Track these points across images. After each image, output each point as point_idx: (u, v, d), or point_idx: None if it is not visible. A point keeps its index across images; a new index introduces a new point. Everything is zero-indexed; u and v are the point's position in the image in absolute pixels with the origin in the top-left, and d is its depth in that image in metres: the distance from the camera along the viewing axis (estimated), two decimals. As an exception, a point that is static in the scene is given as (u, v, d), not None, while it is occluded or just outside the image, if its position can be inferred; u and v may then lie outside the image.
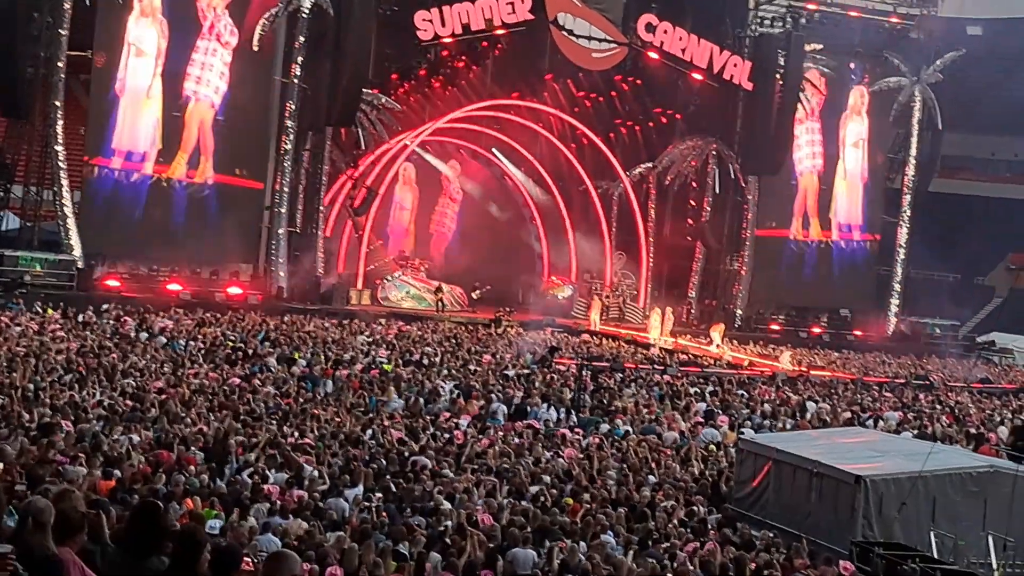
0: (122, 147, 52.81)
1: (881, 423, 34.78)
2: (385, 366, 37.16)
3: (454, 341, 46.60)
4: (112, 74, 52.44)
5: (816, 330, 64.97)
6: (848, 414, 35.80)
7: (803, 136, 65.97)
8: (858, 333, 65.66)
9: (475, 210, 66.62)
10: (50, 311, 42.90)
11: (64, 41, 50.73)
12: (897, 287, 68.19)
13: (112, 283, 51.09)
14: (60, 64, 50.79)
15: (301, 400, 29.85)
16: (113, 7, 51.69)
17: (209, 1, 54.11)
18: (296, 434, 24.73)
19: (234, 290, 53.50)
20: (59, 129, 50.90)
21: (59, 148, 50.98)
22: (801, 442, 25.58)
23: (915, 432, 32.55)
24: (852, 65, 66.88)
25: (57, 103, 50.86)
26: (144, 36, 52.87)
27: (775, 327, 64.37)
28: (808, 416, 34.63)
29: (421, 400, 31.62)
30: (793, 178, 66.15)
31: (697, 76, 62.03)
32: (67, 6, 50.34)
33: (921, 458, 21.51)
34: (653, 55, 61.13)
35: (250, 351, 37.49)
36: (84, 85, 54.85)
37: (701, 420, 32.68)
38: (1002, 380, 52.82)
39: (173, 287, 52.21)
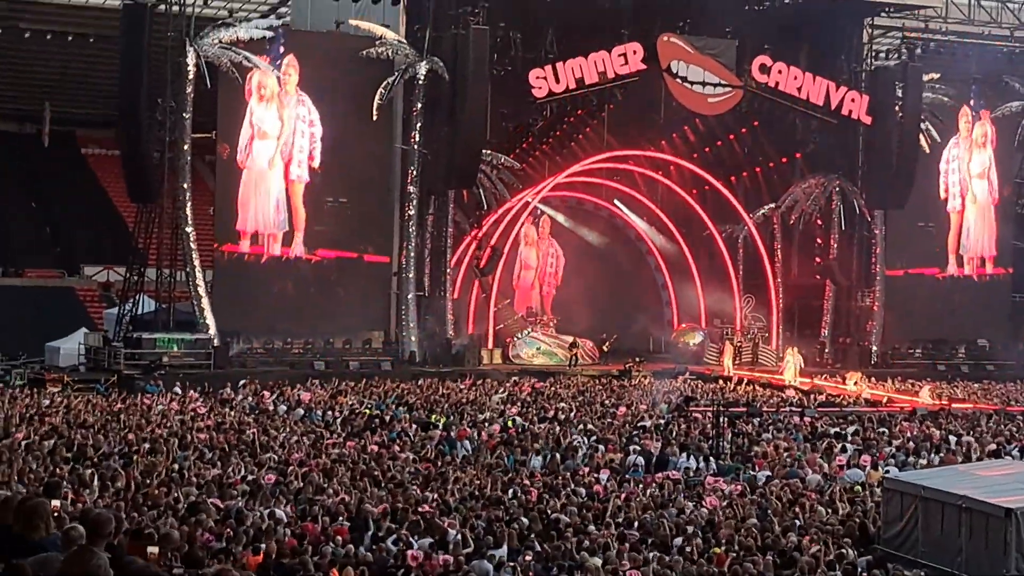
0: (248, 229, 53.57)
1: (1028, 453, 34.20)
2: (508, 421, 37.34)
3: (588, 395, 46.60)
4: (235, 159, 53.33)
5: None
6: (993, 446, 35.16)
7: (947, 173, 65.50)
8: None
9: (600, 262, 66.63)
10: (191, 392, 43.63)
11: (188, 124, 51.76)
12: (1034, 313, 67.08)
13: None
14: (186, 147, 51.84)
15: (440, 463, 30.01)
16: (233, 89, 52.51)
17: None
18: (437, 498, 24.84)
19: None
20: (188, 211, 51.90)
21: (189, 230, 51.95)
22: (947, 477, 25.19)
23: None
24: (972, 91, 65.99)
25: (185, 186, 51.86)
26: (265, 118, 53.67)
27: (912, 362, 63.47)
28: (952, 450, 34.11)
29: (559, 456, 31.64)
30: (931, 216, 65.37)
31: (815, 114, 61.66)
32: (189, 90, 51.38)
33: (1071, 486, 21.17)
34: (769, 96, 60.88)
35: (387, 417, 37.78)
36: (210, 166, 56.00)
37: (843, 461, 32.33)
38: None
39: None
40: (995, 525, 21.26)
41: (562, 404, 42.73)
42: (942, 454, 33.47)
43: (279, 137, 53.81)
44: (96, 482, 24.85)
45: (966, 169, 65.98)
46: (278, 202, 54.06)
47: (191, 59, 51.22)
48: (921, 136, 62.85)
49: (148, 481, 25.06)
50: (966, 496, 22.25)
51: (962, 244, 66.31)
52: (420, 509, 23.31)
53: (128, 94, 51.67)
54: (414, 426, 36.31)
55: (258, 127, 53.43)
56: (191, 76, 51.31)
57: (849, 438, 36.31)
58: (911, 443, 35.27)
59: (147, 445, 30.20)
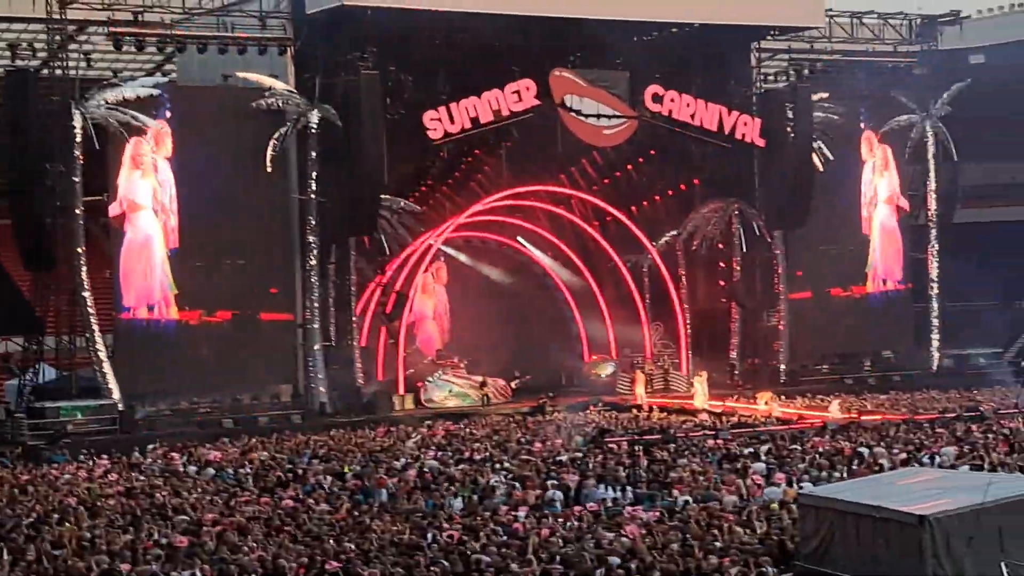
0: (141, 300, 52.92)
1: (938, 460, 34.45)
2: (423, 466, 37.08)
3: (502, 434, 46.47)
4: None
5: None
6: (904, 455, 35.45)
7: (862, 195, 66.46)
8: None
9: (508, 300, 66.66)
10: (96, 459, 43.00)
11: (79, 188, 51.10)
12: (935, 322, 67.75)
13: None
14: (78, 211, 51.18)
15: (357, 513, 29.75)
16: (122, 150, 51.96)
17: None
18: (355, 548, 24.59)
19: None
20: (84, 276, 51.18)
21: (87, 295, 51.21)
22: (861, 489, 25.28)
23: (971, 466, 32.25)
24: (862, 109, 66.83)
25: (80, 250, 51.14)
26: (137, 189, 52.97)
27: (820, 378, 64.04)
28: (864, 462, 34.34)
29: (477, 497, 31.49)
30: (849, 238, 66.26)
31: (709, 139, 62.14)
32: (77, 153, 50.77)
33: (982, 490, 21.28)
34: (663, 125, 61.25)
35: (300, 471, 37.42)
36: (103, 228, 55.22)
37: (760, 480, 32.45)
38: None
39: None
40: (910, 533, 21.35)
41: (477, 444, 42.58)
42: (854, 466, 33.67)
43: (153, 208, 53.11)
44: (6, 556, 24.40)
45: (873, 194, 66.80)
46: (163, 272, 53.41)
47: (78, 122, 50.61)
48: (814, 155, 63.46)
49: (59, 552, 24.60)
50: (880, 506, 22.34)
51: (869, 264, 66.97)
52: (338, 560, 23.07)
53: (16, 161, 51.05)
54: (328, 478, 35.98)
55: (130, 199, 52.65)
56: (79, 139, 50.73)
57: (763, 457, 36.45)
58: (823, 458, 35.48)
59: (56, 515, 29.68)
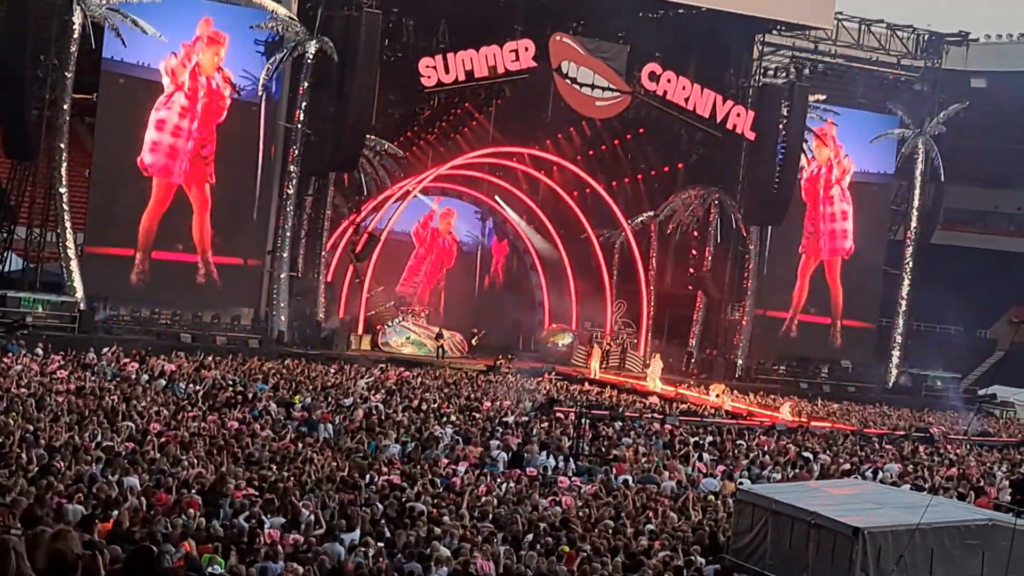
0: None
1: (881, 475, 34.74)
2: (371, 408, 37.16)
3: (454, 387, 46.59)
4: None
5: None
6: (848, 466, 35.74)
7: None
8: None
9: (477, 258, 66.72)
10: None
11: (70, 84, 50.86)
12: (899, 339, 68.11)
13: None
14: (65, 107, 50.93)
15: (299, 445, 29.85)
16: (117, 51, 51.83)
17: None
18: (293, 478, 24.70)
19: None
20: (63, 171, 50.99)
21: (63, 191, 51.04)
22: (799, 493, 25.51)
23: (912, 485, 32.51)
24: (856, 116, 66.91)
25: (62, 145, 50.92)
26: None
27: (775, 378, 64.34)
28: (807, 467, 34.59)
29: (420, 446, 31.64)
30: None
31: (700, 126, 62.23)
32: (73, 49, 50.55)
33: (919, 510, 21.46)
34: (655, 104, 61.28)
35: (250, 395, 37.48)
36: (89, 127, 55.01)
37: (701, 469, 32.67)
38: (1003, 434, 52.78)
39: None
40: (842, 543, 21.55)
41: (427, 395, 42.69)
42: (796, 470, 33.92)
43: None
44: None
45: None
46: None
47: (77, 18, 50.39)
48: (803, 156, 63.67)
49: (1, 440, 24.63)
50: (816, 512, 22.54)
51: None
52: (276, 489, 23.19)
53: (10, 50, 50.61)
54: (276, 406, 36.06)
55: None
56: (76, 35, 50.51)
57: (706, 448, 36.66)
58: (767, 457, 35.74)
59: (3, 404, 29.69)
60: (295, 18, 54.46)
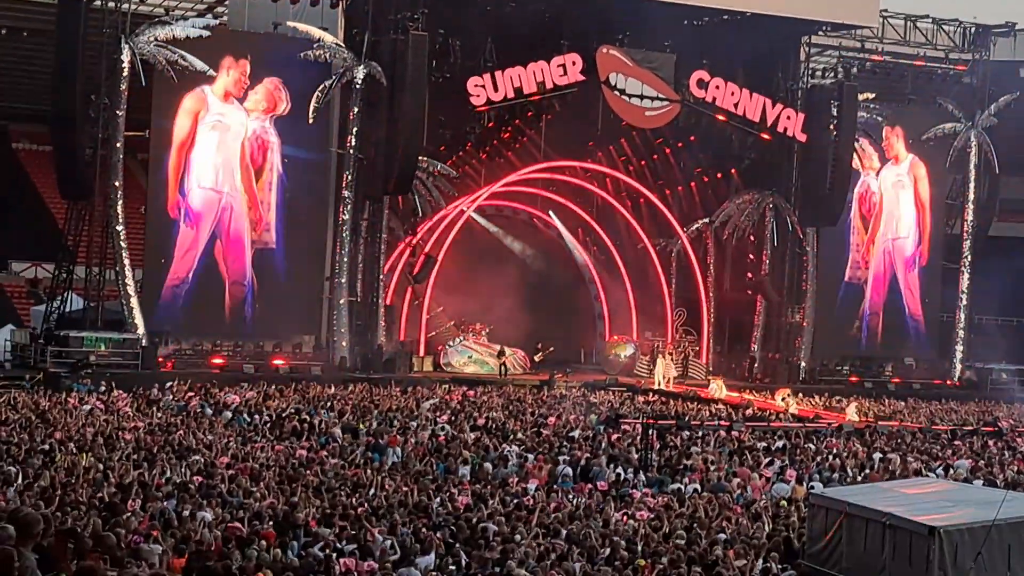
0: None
1: (951, 472, 34.45)
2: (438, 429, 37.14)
3: (519, 404, 46.59)
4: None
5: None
6: (918, 464, 35.46)
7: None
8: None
9: (535, 272, 66.65)
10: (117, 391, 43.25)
11: (122, 122, 51.36)
12: (961, 333, 67.63)
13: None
14: (118, 145, 51.42)
15: (368, 470, 29.92)
16: (168, 87, 52.21)
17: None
18: (365, 505, 24.75)
19: (279, 361, 53.86)
20: (119, 209, 51.44)
21: (120, 228, 51.49)
22: (872, 494, 25.31)
23: (985, 480, 32.23)
24: (907, 112, 66.57)
25: (116, 184, 51.41)
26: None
27: (840, 379, 63.95)
28: (876, 467, 34.36)
29: (488, 465, 31.64)
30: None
31: (751, 130, 62.07)
32: (123, 87, 51.03)
33: (994, 506, 21.28)
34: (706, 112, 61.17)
35: (316, 422, 37.61)
36: (142, 164, 55.47)
37: (770, 475, 32.52)
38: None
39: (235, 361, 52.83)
40: (919, 543, 21.38)
41: (492, 413, 42.71)
42: (867, 471, 33.69)
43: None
44: (20, 480, 24.62)
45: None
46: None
47: (126, 56, 50.88)
48: (856, 155, 63.37)
49: (72, 481, 24.81)
50: (890, 513, 22.37)
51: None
52: (348, 516, 23.24)
53: (62, 90, 51.18)
54: (342, 432, 36.16)
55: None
56: (125, 73, 50.99)
57: (775, 453, 36.49)
58: (836, 459, 35.50)
59: (72, 444, 29.93)
60: (342, 44, 54.69)
